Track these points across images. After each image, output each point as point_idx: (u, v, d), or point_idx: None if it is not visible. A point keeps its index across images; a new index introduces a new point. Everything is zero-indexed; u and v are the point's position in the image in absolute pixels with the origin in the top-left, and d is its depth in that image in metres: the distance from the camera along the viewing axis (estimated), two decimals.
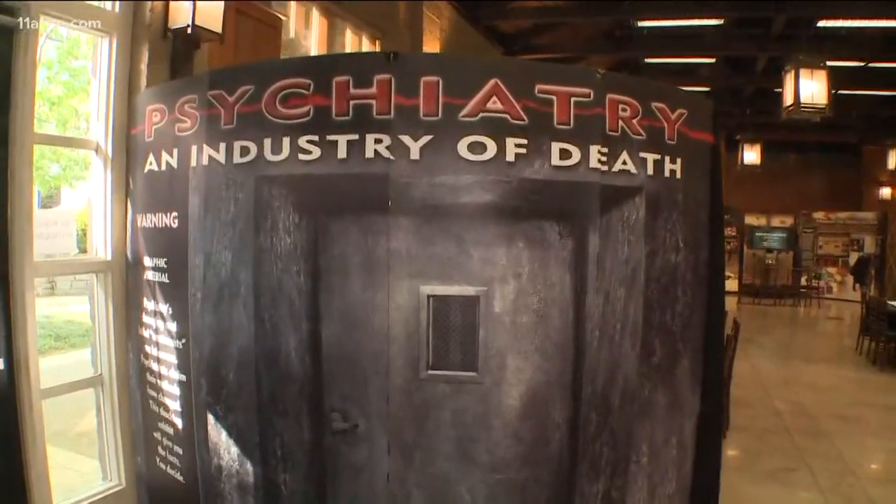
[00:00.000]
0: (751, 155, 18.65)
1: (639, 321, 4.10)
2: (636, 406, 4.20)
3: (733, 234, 20.53)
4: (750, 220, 20.82)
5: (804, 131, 16.93)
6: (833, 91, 10.66)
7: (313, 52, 7.75)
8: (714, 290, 4.67)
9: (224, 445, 4.13)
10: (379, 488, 3.91)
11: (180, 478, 4.48)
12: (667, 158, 4.17)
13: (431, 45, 9.96)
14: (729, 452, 6.97)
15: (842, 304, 17.51)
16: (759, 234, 20.75)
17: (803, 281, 20.42)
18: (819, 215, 21.09)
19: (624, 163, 3.95)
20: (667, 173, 4.17)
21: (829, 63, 9.78)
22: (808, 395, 9.56)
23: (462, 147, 3.70)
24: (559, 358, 3.91)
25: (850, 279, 19.98)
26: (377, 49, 8.70)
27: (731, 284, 20.07)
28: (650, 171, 4.07)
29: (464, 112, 3.72)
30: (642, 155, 4.04)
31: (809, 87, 9.49)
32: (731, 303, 18.44)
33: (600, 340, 3.96)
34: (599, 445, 4.07)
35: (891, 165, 18.53)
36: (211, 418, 4.16)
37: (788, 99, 9.67)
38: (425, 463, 3.91)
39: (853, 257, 20.59)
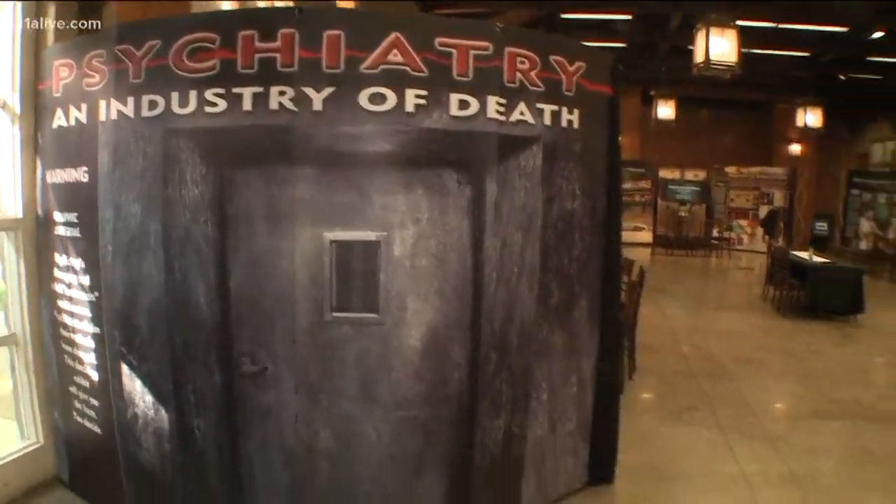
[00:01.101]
0: (665, 110, 19.07)
1: (536, 265, 4.30)
2: (534, 346, 4.43)
3: (648, 187, 20.99)
4: (664, 173, 21.24)
5: (718, 88, 17.30)
6: (744, 50, 10.96)
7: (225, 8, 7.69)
8: (611, 236, 4.91)
9: (139, 394, 4.23)
10: (287, 429, 4.07)
11: (97, 429, 4.55)
12: (564, 109, 4.36)
13: (347, 1, 9.93)
14: (636, 395, 7.27)
15: (752, 255, 18.06)
16: (673, 187, 21.20)
17: (715, 233, 20.91)
18: (731, 170, 21.62)
19: (521, 113, 4.13)
20: (564, 123, 4.36)
21: (739, 23, 10.06)
22: (714, 340, 9.95)
23: (363, 98, 3.84)
24: (458, 300, 4.09)
25: (760, 231, 20.61)
26: (291, 4, 8.68)
27: (645, 236, 20.62)
28: (547, 121, 4.26)
29: (365, 64, 3.85)
30: (540, 106, 4.22)
31: (720, 46, 9.77)
32: (644, 254, 18.91)
33: (498, 283, 4.15)
34: (499, 383, 4.28)
35: (799, 123, 19.10)
36: (125, 368, 4.25)
37: (699, 56, 9.94)
38: (331, 403, 4.07)
39: (763, 210, 21.24)
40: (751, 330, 10.93)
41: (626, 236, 19.82)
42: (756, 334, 10.68)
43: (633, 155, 21.96)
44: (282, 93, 3.81)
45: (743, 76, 12.72)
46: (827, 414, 7.20)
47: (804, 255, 12.70)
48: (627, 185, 20.71)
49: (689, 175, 21.41)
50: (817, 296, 11.75)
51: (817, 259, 12.45)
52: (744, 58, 10.64)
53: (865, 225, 20.31)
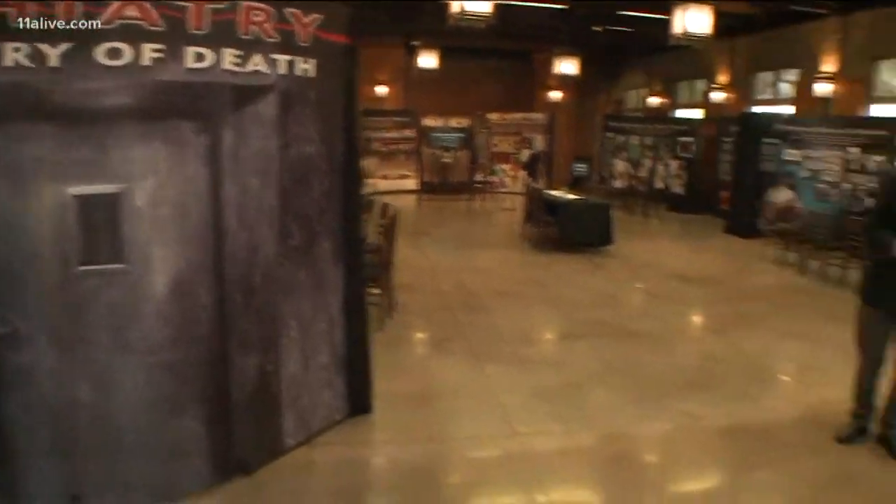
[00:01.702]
0: (428, 60, 19.52)
1: (276, 208, 4.50)
2: (280, 286, 4.64)
3: (412, 135, 21.37)
4: (428, 121, 21.63)
5: (481, 38, 17.83)
6: (504, 2, 11.40)
7: None
8: (350, 178, 5.15)
9: None
10: (46, 387, 4.07)
11: None
12: (299, 59, 4.54)
13: None
14: (397, 331, 7.66)
15: (514, 197, 18.79)
16: (437, 134, 21.66)
17: (479, 177, 21.62)
18: (494, 116, 22.32)
19: (257, 64, 4.27)
20: (299, 73, 4.55)
21: None
22: (473, 277, 10.54)
23: (100, 54, 3.82)
24: (201, 245, 4.24)
25: (522, 174, 21.48)
26: None
27: (411, 183, 21.05)
28: (283, 70, 4.43)
29: (101, 19, 3.82)
30: (275, 56, 4.38)
31: None
32: (410, 200, 19.60)
33: (239, 227, 4.34)
34: (247, 323, 4.48)
35: (557, 72, 20.06)
36: None
37: (455, 7, 10.31)
38: (87, 356, 4.10)
39: (525, 154, 22.18)
40: (508, 265, 11.70)
41: (392, 184, 20.39)
42: (512, 269, 11.45)
43: (398, 104, 22.49)
44: (16, 49, 3.72)
45: (504, 27, 13.15)
46: (574, 335, 8.03)
47: (557, 193, 13.55)
48: (392, 134, 21.23)
49: (453, 123, 21.93)
50: (570, 230, 12.62)
51: (570, 196, 13.33)
52: (502, 9, 11.06)
53: (620, 165, 21.70)
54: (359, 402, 5.45)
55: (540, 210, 13.06)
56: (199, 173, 4.18)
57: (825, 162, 14.83)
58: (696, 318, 9.46)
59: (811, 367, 7.27)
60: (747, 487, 4.92)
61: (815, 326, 8.42)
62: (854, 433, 5.46)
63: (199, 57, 4.04)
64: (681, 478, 5.14)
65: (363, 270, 5.58)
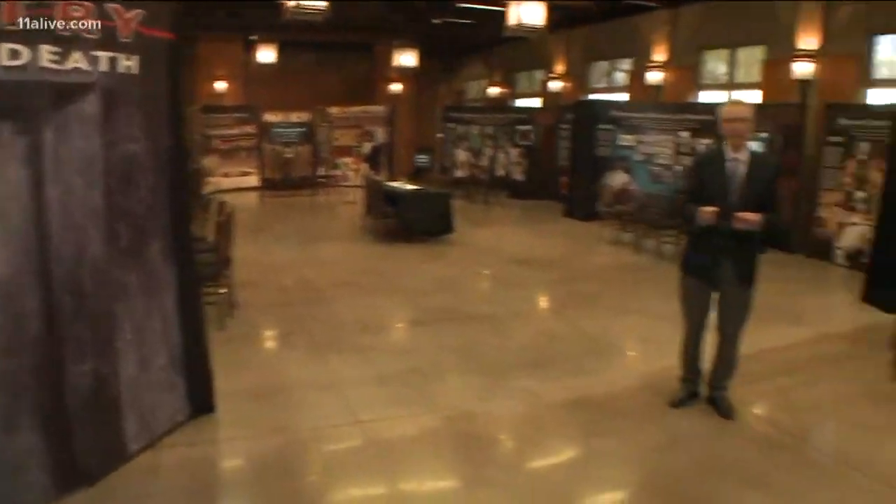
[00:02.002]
0: (267, 55, 19.38)
1: (101, 208, 4.39)
2: (111, 287, 4.54)
3: (253, 131, 20.97)
4: (269, 117, 21.30)
5: (321, 32, 17.77)
6: None
7: None
8: (178, 175, 5.07)
9: None
10: None
11: None
12: (122, 56, 4.43)
13: None
14: (238, 329, 7.54)
15: (358, 191, 18.60)
16: (278, 129, 21.34)
17: (321, 171, 21.60)
18: (335, 110, 22.19)
19: (77, 61, 4.15)
20: (122, 69, 4.45)
21: None
22: (315, 270, 10.55)
23: None
24: (23, 249, 4.08)
25: (365, 167, 21.55)
26: None
27: (253, 180, 20.66)
28: (104, 67, 4.32)
29: None
30: (96, 53, 4.26)
31: None
32: (252, 197, 19.41)
33: (64, 229, 4.21)
34: (80, 327, 4.35)
35: (396, 64, 20.21)
36: None
37: (291, 0, 10.28)
38: None
39: (367, 147, 22.25)
40: (349, 257, 11.76)
41: (234, 182, 20.11)
42: (354, 261, 11.50)
43: (238, 100, 22.08)
44: None
45: (343, 20, 13.14)
46: (417, 322, 8.23)
47: (397, 184, 13.68)
48: (233, 131, 20.77)
49: (294, 117, 21.70)
50: (410, 220, 12.75)
51: (409, 187, 13.48)
52: (341, 2, 11.03)
53: (461, 154, 22.04)
54: (202, 401, 5.37)
55: (379, 202, 13.13)
56: (20, 175, 4.02)
57: (658, 146, 15.66)
58: (537, 300, 9.77)
59: (647, 339, 7.67)
60: (593, 456, 5.17)
61: (650, 301, 8.84)
62: (685, 397, 5.88)
63: (14, 54, 3.91)
64: (531, 453, 5.30)
65: (196, 269, 5.51)
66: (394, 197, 13.07)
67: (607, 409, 5.83)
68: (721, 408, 5.72)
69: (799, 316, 8.96)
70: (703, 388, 5.91)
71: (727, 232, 5.27)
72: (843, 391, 6.54)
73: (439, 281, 10.05)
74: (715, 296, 5.58)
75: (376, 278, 10.16)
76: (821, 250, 12.83)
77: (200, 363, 5.37)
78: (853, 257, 12.22)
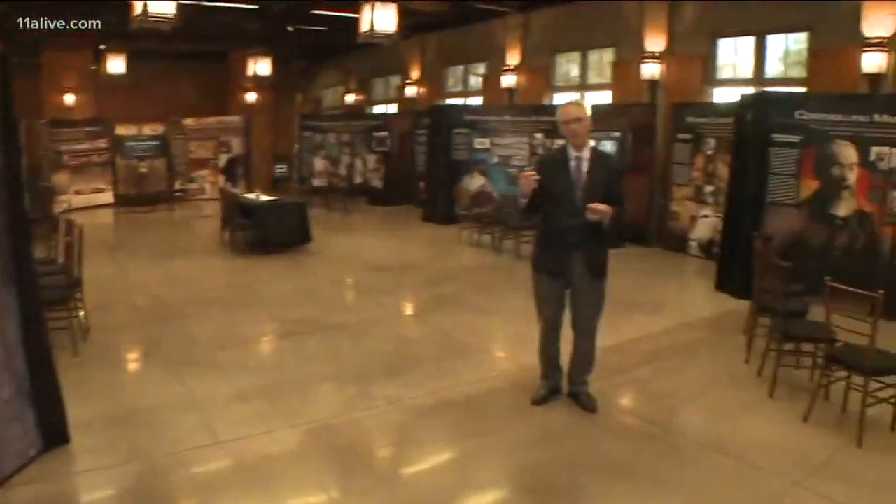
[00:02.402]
0: (116, 64, 18.69)
1: None
2: None
3: (105, 146, 20.13)
4: (122, 130, 20.53)
5: (175, 41, 17.39)
6: (193, 2, 11.10)
7: None
8: (14, 195, 4.88)
9: None
10: None
11: None
12: None
13: None
14: (91, 353, 7.22)
15: (215, 203, 18.28)
16: (131, 143, 20.51)
17: (177, 185, 21.08)
18: (190, 121, 21.55)
19: None
20: None
21: None
22: (170, 288, 10.26)
23: None
24: None
25: (222, 179, 21.09)
26: None
27: (106, 196, 19.79)
28: None
29: None
30: None
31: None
32: (106, 215, 18.81)
33: None
34: None
35: (251, 72, 19.95)
36: None
37: (137, 9, 9.98)
38: None
39: (223, 159, 21.83)
40: (207, 273, 11.53)
41: (86, 199, 19.49)
42: (212, 276, 11.33)
43: (88, 113, 21.23)
44: None
45: (195, 28, 12.80)
46: (275, 335, 8.24)
47: (252, 195, 13.52)
48: (84, 146, 19.85)
49: (148, 130, 20.96)
50: (266, 232, 12.63)
51: (264, 198, 13.34)
52: (193, 10, 10.76)
53: (319, 163, 21.88)
54: (54, 432, 5.13)
55: (235, 214, 12.97)
56: None
57: (513, 148, 15.97)
58: (398, 305, 9.82)
59: (509, 338, 7.95)
60: (464, 457, 5.27)
61: (511, 301, 9.07)
62: (547, 394, 6.06)
63: None
64: (403, 459, 5.37)
65: (39, 292, 5.29)
66: (249, 209, 12.91)
67: (474, 410, 5.97)
68: (583, 402, 5.92)
69: (657, 306, 9.38)
70: (565, 384, 6.11)
71: (575, 227, 5.49)
72: (702, 377, 6.94)
73: (299, 292, 10.03)
74: (568, 291, 5.76)
75: (235, 293, 10.02)
76: (676, 243, 13.40)
77: (50, 392, 5.14)
78: (706, 248, 12.77)
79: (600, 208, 5.34)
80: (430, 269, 11.79)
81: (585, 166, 5.58)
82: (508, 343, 7.90)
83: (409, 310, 9.69)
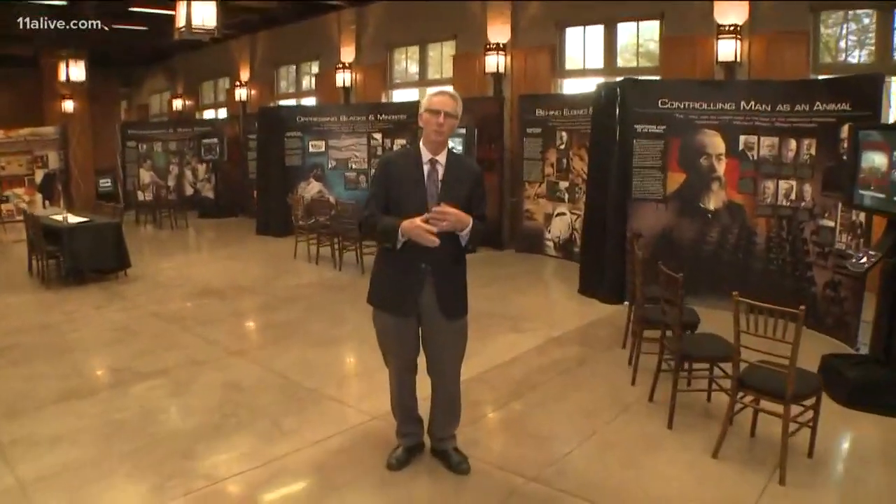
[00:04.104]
0: None
1: None
2: None
3: None
4: None
5: None
6: None
7: None
8: None
9: None
10: None
11: None
12: None
13: None
14: None
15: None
16: None
17: None
18: None
19: None
20: None
21: None
22: None
23: None
24: None
25: (39, 197, 19.15)
26: None
27: None
28: None
29: None
30: None
31: None
32: None
33: None
34: None
35: (64, 78, 18.30)
36: None
37: None
38: None
39: (39, 175, 19.61)
40: (8, 313, 9.59)
41: None
42: (14, 317, 9.37)
43: None
44: None
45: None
46: (73, 394, 6.46)
47: (59, 217, 11.80)
48: None
49: None
50: (77, 258, 11.04)
51: (73, 220, 11.60)
52: None
53: (146, 175, 20.26)
54: None
55: (40, 239, 11.21)
56: None
57: (350, 150, 15.18)
58: (226, 340, 8.21)
59: (356, 375, 6.96)
60: None
61: (355, 325, 8.17)
62: (405, 456, 4.93)
63: None
64: None
65: None
66: (56, 233, 11.17)
67: (321, 483, 4.76)
68: (452, 463, 4.82)
69: (521, 319, 8.58)
70: (427, 439, 5.01)
71: (428, 251, 4.28)
72: (585, 406, 6.02)
73: (113, 330, 8.52)
74: (419, 329, 4.62)
75: (38, 337, 8.34)
76: (531, 244, 12.98)
77: None
78: (563, 247, 12.42)
79: (453, 214, 4.22)
80: (265, 291, 10.58)
81: (441, 173, 4.44)
82: (357, 383, 6.74)
83: (239, 345, 8.05)
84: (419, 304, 4.49)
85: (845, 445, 5.48)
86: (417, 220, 4.20)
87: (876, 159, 6.34)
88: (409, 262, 4.42)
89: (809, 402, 4.93)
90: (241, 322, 9.09)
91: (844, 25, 10.74)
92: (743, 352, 4.91)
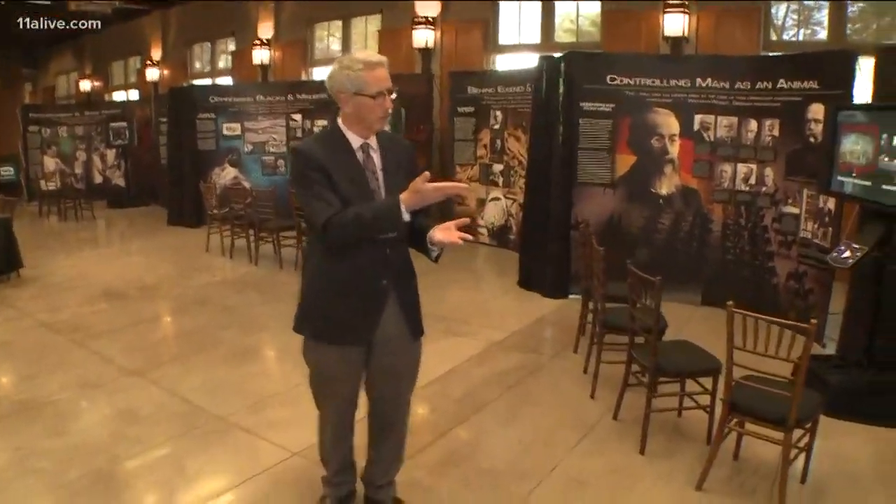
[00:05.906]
0: None
1: None
2: None
3: None
4: None
5: None
6: None
7: None
8: None
9: None
10: None
11: None
12: None
13: None
14: None
15: None
16: None
17: None
18: None
19: None
20: None
21: None
22: None
23: None
24: None
25: None
26: None
27: None
28: None
29: None
30: None
31: None
32: None
33: None
34: None
35: None
36: None
37: None
38: None
39: None
40: None
41: None
42: None
43: None
44: None
45: None
46: None
47: None
48: None
49: None
50: None
51: None
52: None
53: (50, 163, 18.92)
54: None
55: None
56: None
57: (268, 133, 14.16)
58: (124, 356, 6.97)
59: (272, 399, 5.76)
60: None
61: (272, 333, 7.28)
62: None
63: None
64: None
65: None
66: None
67: None
68: None
69: (455, 322, 7.69)
70: (360, 486, 3.98)
71: (387, 259, 3.48)
72: (543, 430, 5.16)
73: None
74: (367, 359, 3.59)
75: None
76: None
77: None
78: (498, 235, 11.67)
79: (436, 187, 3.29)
80: (173, 292, 9.48)
81: (378, 161, 3.47)
82: (272, 408, 5.60)
83: (140, 362, 6.81)
84: (376, 328, 3.50)
85: (837, 465, 4.68)
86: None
87: (860, 143, 5.59)
88: (365, 278, 3.44)
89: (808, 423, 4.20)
90: (143, 332, 7.80)
91: (787, 4, 10.21)
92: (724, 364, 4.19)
